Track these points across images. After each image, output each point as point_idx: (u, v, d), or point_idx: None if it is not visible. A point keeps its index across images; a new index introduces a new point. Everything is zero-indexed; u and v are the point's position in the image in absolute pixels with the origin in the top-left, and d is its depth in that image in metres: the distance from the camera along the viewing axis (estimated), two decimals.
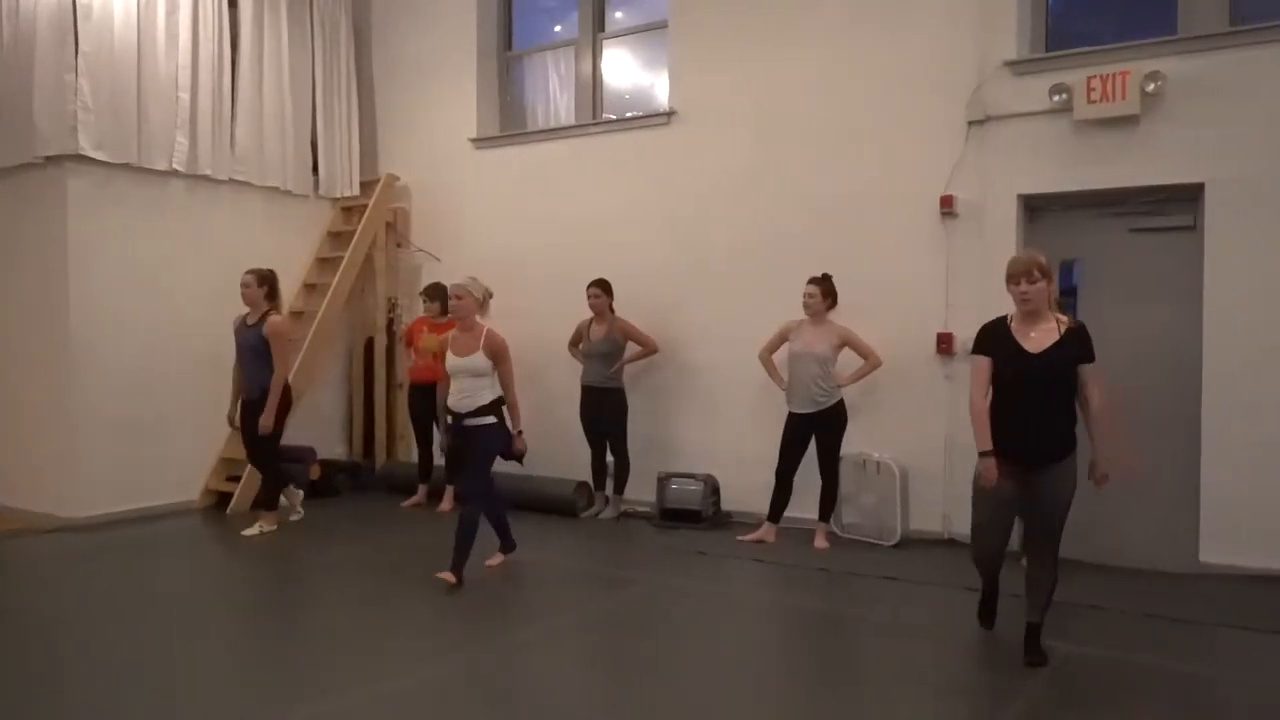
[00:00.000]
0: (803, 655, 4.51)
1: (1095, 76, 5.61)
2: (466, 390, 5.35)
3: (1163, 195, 5.67)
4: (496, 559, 5.77)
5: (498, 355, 5.35)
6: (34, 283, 7.02)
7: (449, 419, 5.50)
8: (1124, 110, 5.55)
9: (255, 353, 6.45)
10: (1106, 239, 5.93)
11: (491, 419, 5.37)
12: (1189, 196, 5.58)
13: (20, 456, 7.20)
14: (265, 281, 6.52)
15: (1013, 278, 4.02)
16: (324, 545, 6.39)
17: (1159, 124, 5.56)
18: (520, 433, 5.55)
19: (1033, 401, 3.95)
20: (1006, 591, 4.47)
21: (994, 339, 4.08)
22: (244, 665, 4.26)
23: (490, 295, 5.57)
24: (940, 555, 5.96)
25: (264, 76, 8.00)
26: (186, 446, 7.44)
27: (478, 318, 5.47)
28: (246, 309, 6.58)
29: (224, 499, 7.51)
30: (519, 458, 5.62)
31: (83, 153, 6.76)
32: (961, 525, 6.07)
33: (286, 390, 6.56)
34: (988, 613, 4.53)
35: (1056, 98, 5.76)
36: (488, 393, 5.37)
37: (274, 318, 6.49)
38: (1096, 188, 5.78)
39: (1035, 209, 6.09)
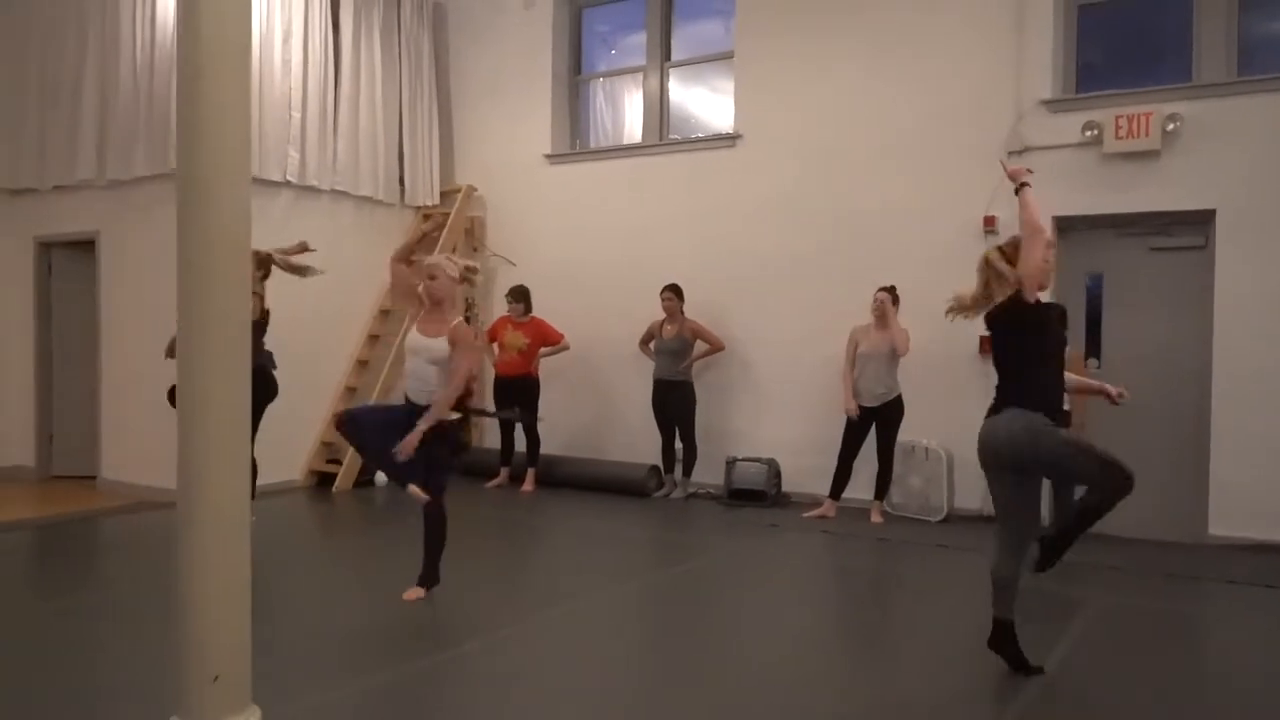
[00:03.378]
0: (871, 603, 5.39)
1: (1122, 116, 6.52)
2: (421, 375, 4.79)
3: (1178, 219, 6.57)
4: (416, 592, 4.92)
5: (458, 343, 4.77)
6: (167, 282, 7.75)
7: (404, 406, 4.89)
8: (1147, 145, 6.46)
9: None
10: (1128, 256, 6.83)
11: (455, 415, 4.86)
12: (1201, 220, 6.50)
13: (137, 439, 7.94)
14: None
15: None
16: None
17: (1176, 157, 6.48)
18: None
19: None
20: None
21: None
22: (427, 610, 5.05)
23: (473, 270, 5.06)
24: (982, 529, 6.83)
25: (360, 96, 8.79)
26: (289, 431, 8.17)
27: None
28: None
29: (325, 478, 8.30)
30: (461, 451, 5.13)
31: None
32: None
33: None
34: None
35: (1088, 133, 6.66)
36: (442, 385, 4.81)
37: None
38: (1121, 211, 6.69)
39: (1066, 229, 6.98)
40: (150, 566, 5.79)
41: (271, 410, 7.95)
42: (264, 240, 7.99)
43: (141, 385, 7.95)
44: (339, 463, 8.37)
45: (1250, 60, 6.50)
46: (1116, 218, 6.74)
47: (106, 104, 7.89)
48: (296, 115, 8.18)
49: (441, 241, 9.09)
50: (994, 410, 3.98)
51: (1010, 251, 4.06)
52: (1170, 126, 6.40)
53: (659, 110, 8.91)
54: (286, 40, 8.08)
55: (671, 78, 8.98)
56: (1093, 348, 6.99)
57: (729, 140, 8.24)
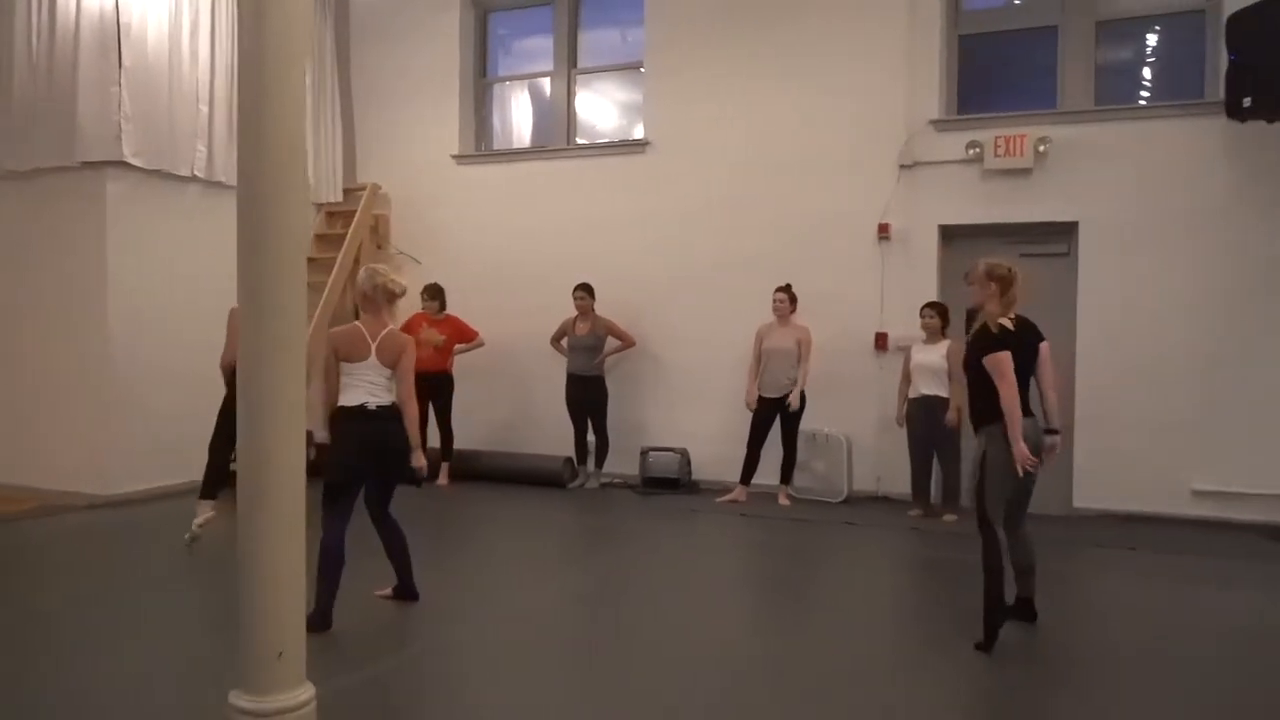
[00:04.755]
0: (805, 575, 5.94)
1: (1000, 136, 7.33)
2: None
3: (1046, 229, 7.43)
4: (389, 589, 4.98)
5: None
6: (72, 277, 7.53)
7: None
8: (1021, 164, 7.29)
9: None
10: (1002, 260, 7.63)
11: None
12: (1066, 231, 7.38)
13: (59, 441, 7.65)
14: None
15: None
16: None
17: (1046, 175, 7.33)
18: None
19: None
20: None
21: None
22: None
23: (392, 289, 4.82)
24: (878, 507, 7.56)
25: None
26: (193, 430, 8.00)
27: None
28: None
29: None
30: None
31: (124, 159, 7.38)
32: (891, 484, 7.71)
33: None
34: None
35: (971, 151, 7.44)
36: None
37: None
38: (997, 221, 7.49)
39: (950, 236, 7.75)
40: (70, 571, 5.72)
41: (174, 408, 7.82)
42: (174, 237, 7.89)
43: (40, 384, 7.69)
44: None
45: (1106, 91, 7.43)
46: (994, 227, 7.54)
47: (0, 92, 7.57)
48: (204, 109, 8.06)
49: (349, 239, 9.14)
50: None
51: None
52: (1041, 147, 7.25)
53: (566, 116, 9.23)
54: (194, 33, 7.95)
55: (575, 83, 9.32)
56: None
57: (639, 147, 8.66)
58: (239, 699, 3.16)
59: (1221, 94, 6.64)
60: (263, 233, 3.17)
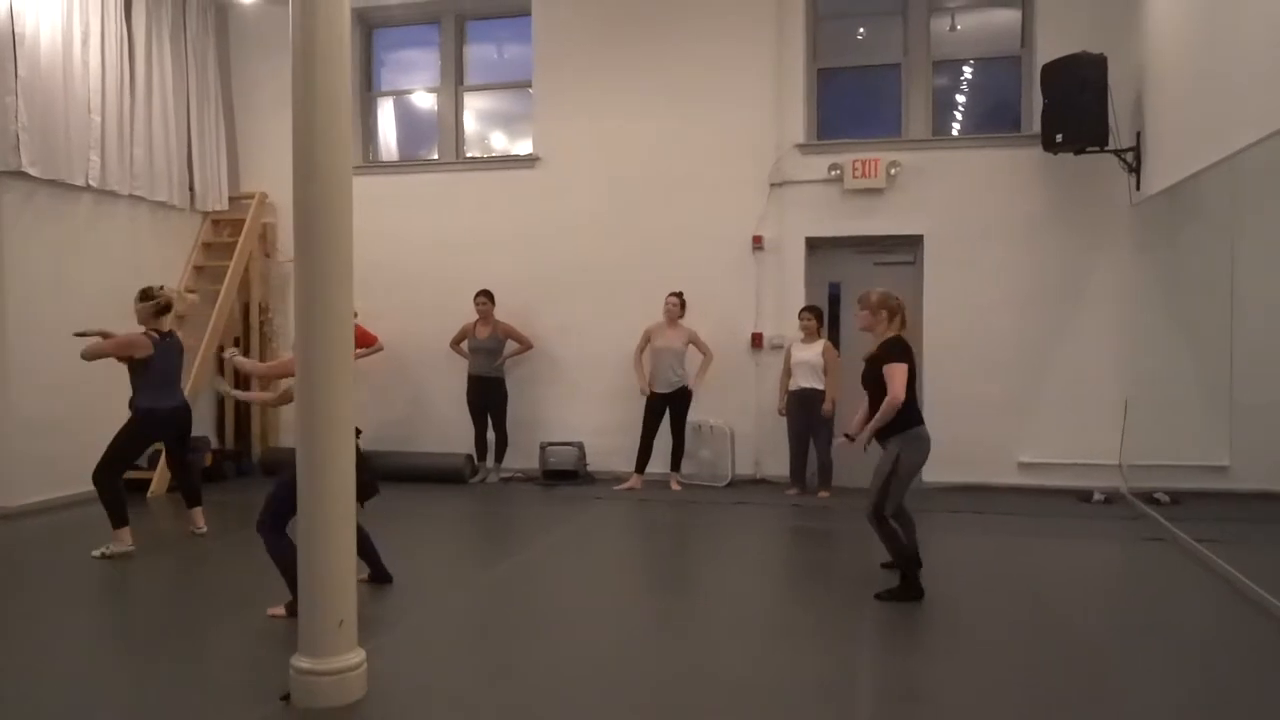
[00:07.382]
0: (703, 546, 6.74)
1: (858, 160, 8.39)
2: None
3: (896, 241, 8.55)
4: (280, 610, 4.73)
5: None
6: None
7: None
8: (875, 184, 8.38)
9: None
10: (860, 268, 8.72)
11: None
12: (912, 243, 8.52)
13: None
14: None
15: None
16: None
17: (896, 194, 8.45)
18: None
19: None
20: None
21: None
22: None
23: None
24: (759, 488, 8.48)
25: (153, 101, 8.73)
26: (101, 439, 7.98)
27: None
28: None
29: (139, 484, 8.21)
30: None
31: (22, 169, 7.32)
32: (768, 468, 8.64)
33: None
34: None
35: (832, 172, 8.47)
36: None
37: None
38: (855, 234, 8.56)
39: (814, 247, 8.75)
40: None
41: (66, 420, 7.75)
42: (66, 246, 7.83)
43: None
44: (141, 468, 8.29)
45: (942, 124, 8.66)
46: (852, 239, 8.61)
47: None
48: (96, 119, 8.05)
49: (239, 247, 9.26)
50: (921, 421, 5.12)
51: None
52: (893, 170, 8.36)
53: (454, 130, 9.69)
54: (85, 42, 7.93)
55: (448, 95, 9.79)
56: (834, 337, 8.79)
57: (529, 162, 9.24)
58: (301, 661, 3.62)
59: (1037, 128, 7.90)
60: (316, 247, 3.60)
